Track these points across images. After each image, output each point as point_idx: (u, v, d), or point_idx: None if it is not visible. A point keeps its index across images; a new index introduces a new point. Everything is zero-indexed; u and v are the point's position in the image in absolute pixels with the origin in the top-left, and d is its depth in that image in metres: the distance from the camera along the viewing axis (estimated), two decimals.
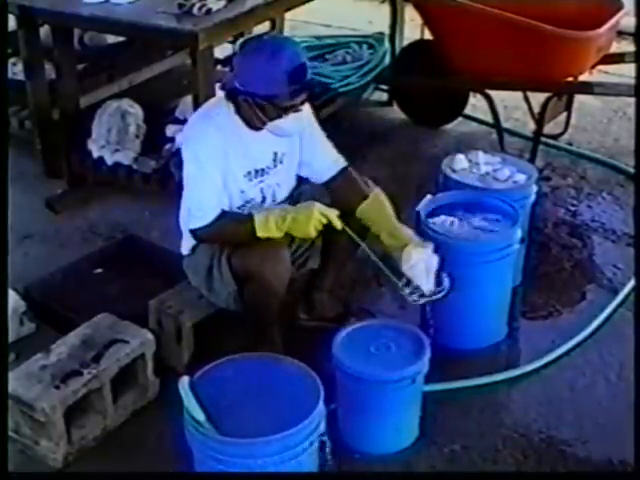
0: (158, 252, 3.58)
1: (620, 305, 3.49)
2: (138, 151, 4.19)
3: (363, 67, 4.69)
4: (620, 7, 4.37)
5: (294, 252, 3.15)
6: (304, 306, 3.36)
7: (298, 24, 5.83)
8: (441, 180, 3.53)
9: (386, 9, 5.26)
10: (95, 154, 4.22)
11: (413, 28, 5.15)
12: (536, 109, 4.46)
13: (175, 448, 2.59)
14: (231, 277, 2.96)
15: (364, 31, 5.36)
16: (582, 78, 4.42)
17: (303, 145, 3.07)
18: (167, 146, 4.15)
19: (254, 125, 2.92)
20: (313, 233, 2.89)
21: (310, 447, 2.44)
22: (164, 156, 4.11)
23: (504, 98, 4.86)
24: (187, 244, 3.10)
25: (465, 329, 3.29)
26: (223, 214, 2.92)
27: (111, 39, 4.81)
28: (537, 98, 4.48)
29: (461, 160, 3.57)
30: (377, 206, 3.07)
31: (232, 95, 2.89)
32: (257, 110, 2.85)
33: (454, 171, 3.53)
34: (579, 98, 4.80)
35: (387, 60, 4.84)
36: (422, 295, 2.95)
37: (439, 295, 2.96)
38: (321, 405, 2.47)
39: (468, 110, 4.97)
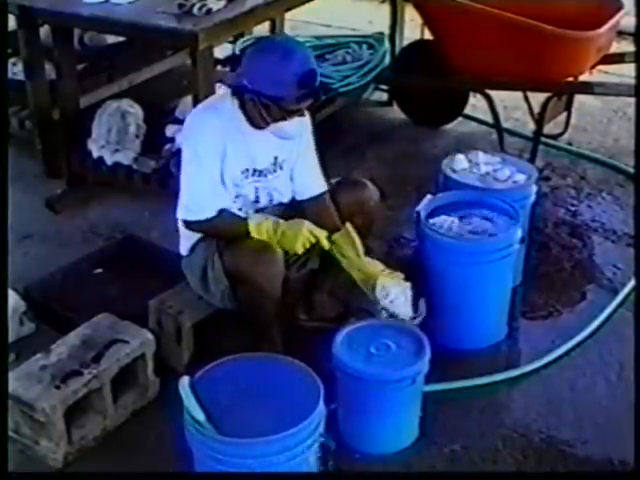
0: (158, 252, 3.58)
1: (620, 305, 3.49)
2: (138, 151, 4.19)
3: (363, 67, 4.68)
4: (620, 7, 4.37)
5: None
6: (304, 307, 3.37)
7: (298, 24, 5.83)
8: (441, 180, 3.53)
9: (386, 9, 5.26)
10: (95, 154, 4.22)
11: (413, 28, 5.15)
12: (536, 109, 4.47)
13: (175, 448, 2.59)
14: (223, 274, 2.96)
15: (364, 31, 5.36)
16: (582, 78, 4.42)
17: (297, 154, 3.08)
18: (167, 146, 4.15)
19: (257, 124, 2.92)
20: (300, 250, 2.95)
21: (310, 447, 2.44)
22: (164, 156, 4.11)
23: (504, 98, 4.86)
24: (185, 244, 3.11)
25: (465, 329, 3.29)
26: (220, 212, 2.92)
27: (111, 39, 4.81)
28: (537, 98, 4.48)
29: (461, 160, 3.57)
30: (346, 241, 3.09)
31: (238, 91, 2.89)
32: (262, 109, 2.86)
33: (454, 171, 3.53)
34: (579, 98, 4.80)
35: (387, 60, 4.84)
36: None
37: (419, 320, 3.03)
38: (321, 405, 2.47)
39: (468, 110, 4.97)
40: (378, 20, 5.79)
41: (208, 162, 2.89)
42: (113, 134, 4.22)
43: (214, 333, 3.19)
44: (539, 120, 4.41)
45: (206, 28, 3.61)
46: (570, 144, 4.77)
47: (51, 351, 2.95)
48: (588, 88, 4.51)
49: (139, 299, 3.25)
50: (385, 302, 3.02)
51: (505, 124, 4.70)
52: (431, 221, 3.24)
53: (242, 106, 2.91)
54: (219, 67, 4.52)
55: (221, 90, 4.07)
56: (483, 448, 2.88)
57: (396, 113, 5.11)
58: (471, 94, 4.85)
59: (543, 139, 4.51)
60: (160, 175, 4.07)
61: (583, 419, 2.99)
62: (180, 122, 4.24)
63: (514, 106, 4.97)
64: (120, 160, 4.16)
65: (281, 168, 3.06)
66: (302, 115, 2.91)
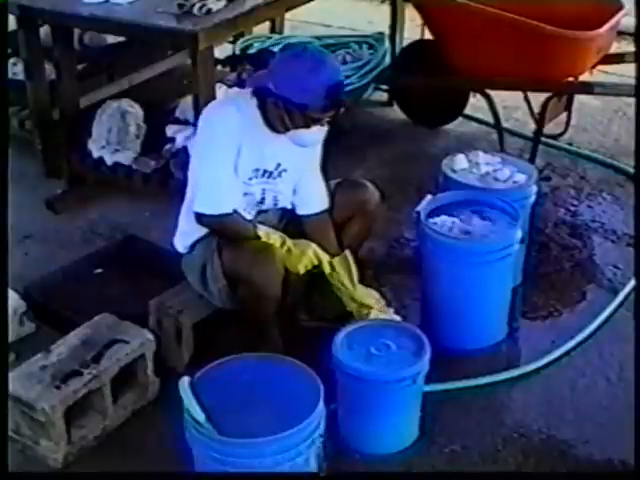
0: (158, 252, 3.58)
1: (620, 305, 3.49)
2: (138, 151, 4.18)
3: (363, 67, 4.68)
4: (620, 7, 4.37)
5: None
6: (304, 307, 3.36)
7: (298, 24, 5.82)
8: (441, 180, 3.53)
9: (386, 9, 5.26)
10: (95, 154, 4.22)
11: (413, 28, 5.15)
12: (536, 109, 4.46)
13: (175, 448, 2.59)
14: (221, 272, 2.97)
15: (364, 31, 5.35)
16: (582, 78, 4.42)
17: (302, 168, 3.09)
18: (167, 146, 4.15)
19: (275, 127, 2.93)
20: (302, 270, 2.99)
21: (310, 447, 2.44)
22: (164, 156, 4.11)
23: (504, 98, 4.86)
24: (184, 242, 3.11)
25: (465, 329, 3.29)
26: (232, 213, 2.93)
27: (111, 39, 4.81)
28: (537, 98, 4.47)
29: (461, 160, 3.57)
30: (344, 268, 3.11)
31: (261, 93, 2.90)
32: (285, 115, 2.86)
33: (454, 171, 3.53)
34: (579, 98, 4.80)
35: (387, 60, 4.84)
36: None
37: None
38: (321, 405, 2.47)
39: (468, 110, 4.97)
40: (378, 20, 5.79)
41: (227, 156, 2.90)
42: (113, 134, 4.22)
43: (214, 333, 3.19)
44: (539, 120, 4.41)
45: (206, 28, 3.60)
46: (570, 144, 4.76)
47: (51, 351, 2.95)
48: (588, 88, 4.50)
49: (139, 299, 3.25)
50: None
51: (505, 124, 4.70)
52: (431, 221, 3.24)
53: (260, 106, 2.92)
54: (219, 67, 4.51)
55: (221, 90, 4.09)
56: (483, 448, 2.88)
57: (396, 113, 5.11)
58: (471, 94, 4.85)
59: (543, 139, 4.51)
60: (160, 175, 4.07)
61: (583, 419, 2.99)
62: (180, 122, 4.26)
63: (514, 106, 4.97)
64: (120, 160, 4.16)
65: (280, 176, 3.06)
66: (322, 125, 2.92)
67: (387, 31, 5.01)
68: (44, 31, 4.24)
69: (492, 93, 4.51)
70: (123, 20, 3.78)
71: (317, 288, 3.22)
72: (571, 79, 4.37)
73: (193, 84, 3.78)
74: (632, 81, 4.36)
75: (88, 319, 3.10)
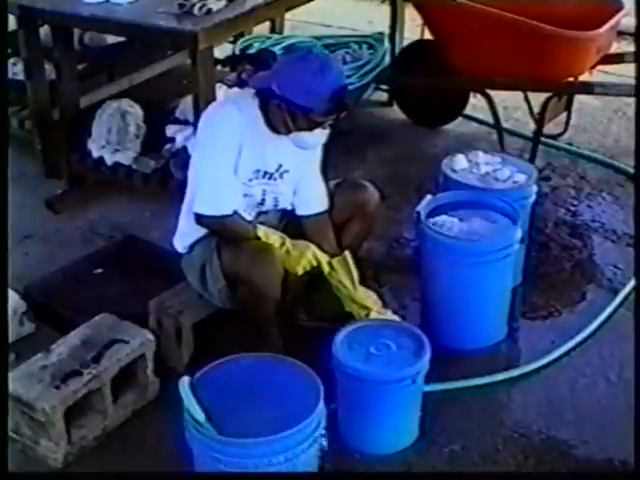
0: (158, 252, 3.58)
1: (620, 305, 3.49)
2: (138, 151, 4.18)
3: (363, 67, 4.68)
4: (620, 7, 4.37)
5: None
6: (304, 307, 3.36)
7: (298, 24, 5.82)
8: (441, 180, 3.53)
9: (386, 9, 5.26)
10: (95, 154, 4.22)
11: (413, 28, 5.15)
12: (536, 109, 4.46)
13: (175, 448, 2.60)
14: (221, 273, 2.97)
15: (364, 31, 5.36)
16: (582, 78, 4.42)
17: (303, 169, 3.09)
18: (167, 146, 4.15)
19: (277, 129, 2.93)
20: (300, 271, 2.99)
21: (310, 447, 2.44)
22: (164, 156, 4.11)
23: (504, 98, 4.86)
24: (183, 242, 3.11)
25: (465, 329, 3.29)
26: (232, 214, 2.93)
27: (111, 39, 4.81)
28: (537, 98, 4.47)
29: (461, 160, 3.57)
30: (344, 268, 3.11)
31: (264, 94, 2.90)
32: (288, 117, 2.86)
33: (454, 171, 3.53)
34: (579, 98, 4.80)
35: (387, 60, 4.84)
36: None
37: None
38: (321, 405, 2.47)
39: (468, 110, 4.97)
40: (378, 20, 5.79)
41: (227, 156, 2.90)
42: (113, 134, 4.22)
43: (214, 333, 3.19)
44: (539, 120, 4.41)
45: (206, 28, 3.60)
46: (570, 144, 4.76)
47: (51, 351, 2.95)
48: (588, 88, 4.50)
49: (139, 299, 3.25)
50: None
51: (505, 124, 4.70)
52: (431, 221, 3.24)
53: (262, 107, 2.92)
54: (219, 67, 4.51)
55: (221, 90, 4.09)
56: (483, 448, 2.88)
57: (396, 113, 5.11)
58: (471, 94, 4.85)
59: (543, 139, 4.51)
60: (160, 175, 4.07)
61: (583, 419, 2.99)
62: (180, 122, 4.26)
63: (514, 106, 4.97)
64: (120, 160, 4.16)
65: (281, 177, 3.05)
66: (324, 128, 2.92)
67: (387, 31, 5.01)
68: (44, 31, 4.24)
69: (492, 93, 4.51)
70: (123, 20, 3.78)
71: (316, 288, 3.22)
72: (571, 79, 4.37)
73: (193, 84, 3.78)
74: (632, 81, 4.36)
75: (88, 319, 3.10)
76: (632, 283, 3.58)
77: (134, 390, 3.03)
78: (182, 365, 3.13)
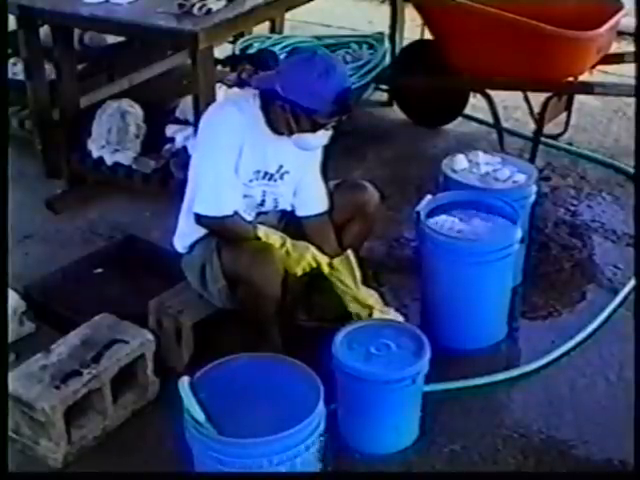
0: (158, 252, 3.58)
1: (620, 305, 3.49)
2: (138, 151, 4.19)
3: (363, 67, 4.68)
4: (620, 7, 4.37)
5: None
6: (304, 307, 3.36)
7: (298, 24, 5.82)
8: (441, 180, 3.53)
9: (386, 9, 5.26)
10: (95, 154, 4.22)
11: (413, 28, 5.15)
12: (536, 109, 4.46)
13: (175, 448, 2.60)
14: (221, 273, 2.97)
15: (364, 31, 5.36)
16: (582, 78, 4.42)
17: (304, 170, 3.09)
18: (167, 146, 4.15)
19: (279, 130, 2.93)
20: (299, 272, 2.99)
21: (310, 447, 2.44)
22: (164, 156, 4.11)
23: (504, 98, 4.86)
24: (183, 242, 3.11)
25: (465, 329, 3.29)
26: (233, 215, 2.93)
27: (111, 39, 4.81)
28: (537, 98, 4.47)
29: (461, 160, 3.57)
30: (346, 268, 3.11)
31: (267, 95, 2.89)
32: (291, 119, 2.86)
33: (454, 171, 3.53)
34: (579, 98, 4.80)
35: (387, 60, 4.84)
36: None
37: None
38: (321, 405, 2.47)
39: (468, 110, 4.97)
40: (378, 20, 5.79)
41: (228, 157, 2.89)
42: (113, 134, 4.22)
43: (214, 333, 3.19)
44: (539, 120, 4.41)
45: (206, 28, 3.60)
46: (570, 144, 4.76)
47: (51, 351, 2.95)
48: (588, 88, 4.50)
49: (139, 299, 3.25)
50: None
51: (505, 124, 4.70)
52: (431, 221, 3.24)
53: (264, 108, 2.92)
54: (219, 67, 4.51)
55: (221, 90, 4.09)
56: (483, 448, 2.88)
57: (396, 113, 5.11)
58: (471, 94, 4.85)
59: (543, 139, 4.51)
60: (160, 175, 4.07)
61: (583, 419, 2.99)
62: (180, 122, 4.26)
63: (514, 106, 4.97)
64: (120, 160, 4.16)
65: (282, 178, 3.05)
66: (327, 130, 2.92)
67: (387, 31, 5.01)
68: (44, 31, 4.24)
69: (492, 93, 4.51)
70: (123, 20, 3.78)
71: (316, 288, 3.22)
72: (571, 79, 4.37)
73: (193, 84, 3.78)
74: (632, 81, 4.36)
75: (88, 319, 3.10)
76: (632, 283, 3.58)
77: (134, 390, 3.03)
78: (182, 365, 3.13)
